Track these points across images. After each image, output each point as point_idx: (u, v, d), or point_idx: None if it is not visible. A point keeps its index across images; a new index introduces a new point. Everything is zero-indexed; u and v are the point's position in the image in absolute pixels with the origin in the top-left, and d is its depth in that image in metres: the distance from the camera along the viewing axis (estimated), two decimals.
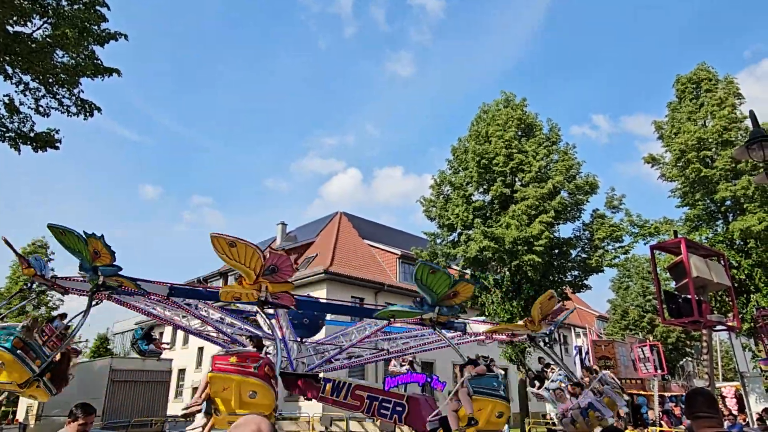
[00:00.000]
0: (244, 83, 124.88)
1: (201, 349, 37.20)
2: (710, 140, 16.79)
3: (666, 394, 19.95)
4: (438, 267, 6.53)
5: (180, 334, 41.65)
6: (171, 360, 25.21)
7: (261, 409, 6.67)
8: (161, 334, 43.71)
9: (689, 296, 5.40)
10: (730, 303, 12.54)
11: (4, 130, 11.22)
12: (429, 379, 10.85)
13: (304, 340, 11.35)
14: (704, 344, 4.79)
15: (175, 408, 32.84)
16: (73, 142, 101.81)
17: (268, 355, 10.81)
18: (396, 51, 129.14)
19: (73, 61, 10.32)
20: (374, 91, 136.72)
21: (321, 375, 11.36)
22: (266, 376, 6.66)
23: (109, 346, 45.80)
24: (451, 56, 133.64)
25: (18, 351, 6.79)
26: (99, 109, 10.63)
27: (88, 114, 10.52)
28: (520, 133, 22.64)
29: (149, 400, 21.38)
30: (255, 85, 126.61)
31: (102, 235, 6.75)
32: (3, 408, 33.42)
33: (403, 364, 11.74)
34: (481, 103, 25.24)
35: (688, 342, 32.48)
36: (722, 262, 6.03)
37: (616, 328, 33.84)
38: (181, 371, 39.74)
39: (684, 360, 33.76)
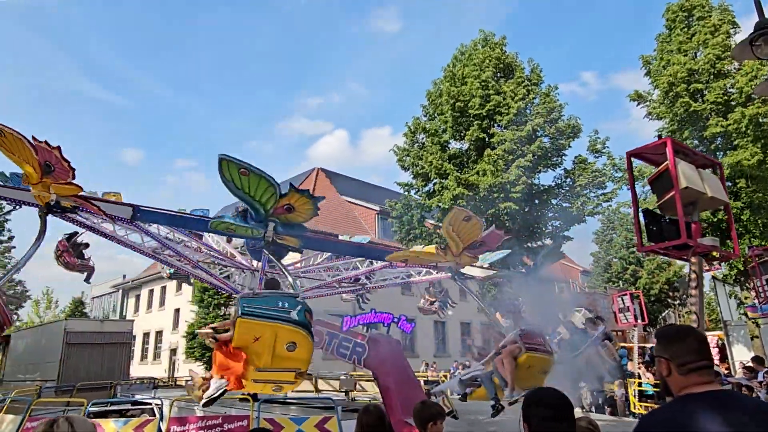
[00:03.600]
0: (224, 42, 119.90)
1: (177, 310, 36.38)
2: (702, 71, 15.40)
3: (647, 345, 19.36)
4: (252, 167, 4.86)
5: (156, 296, 40.69)
6: (132, 321, 24.17)
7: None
8: (137, 297, 42.86)
9: (676, 215, 4.12)
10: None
11: None
12: (396, 320, 9.81)
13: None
14: (693, 275, 3.66)
15: (141, 370, 32.15)
16: (48, 107, 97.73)
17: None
18: (382, 5, 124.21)
19: None
20: (360, 49, 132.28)
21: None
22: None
23: (85, 310, 44.55)
24: (439, 10, 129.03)
25: None
26: None
27: None
28: (498, 74, 21.03)
29: (108, 362, 20.35)
30: (236, 43, 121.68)
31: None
32: None
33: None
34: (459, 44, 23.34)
35: (671, 294, 32.03)
36: (719, 173, 4.74)
37: (599, 281, 33.28)
38: (159, 333, 39.06)
39: (666, 312, 33.46)
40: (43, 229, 5.84)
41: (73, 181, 5.49)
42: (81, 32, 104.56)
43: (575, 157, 20.55)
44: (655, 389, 13.58)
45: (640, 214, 4.39)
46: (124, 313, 43.46)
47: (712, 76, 15.34)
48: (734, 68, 15.62)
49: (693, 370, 1.81)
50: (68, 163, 5.16)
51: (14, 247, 28.60)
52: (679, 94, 15.38)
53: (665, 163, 4.11)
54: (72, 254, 7.43)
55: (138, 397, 14.22)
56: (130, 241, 8.10)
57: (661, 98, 16.47)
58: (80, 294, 45.17)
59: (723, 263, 15.67)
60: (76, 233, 7.40)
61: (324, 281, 10.70)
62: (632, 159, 4.69)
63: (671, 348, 1.87)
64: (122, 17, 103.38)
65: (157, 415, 9.60)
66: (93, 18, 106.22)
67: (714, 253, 4.22)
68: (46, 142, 5.02)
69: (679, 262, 30.48)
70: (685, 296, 31.00)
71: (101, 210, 6.04)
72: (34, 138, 5.02)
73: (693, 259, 4.19)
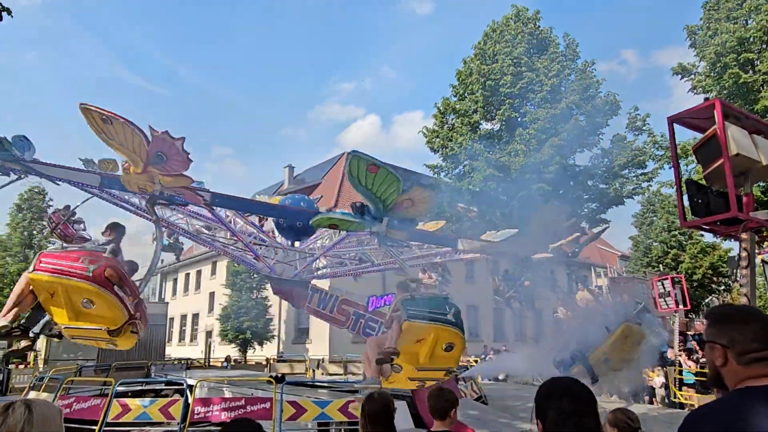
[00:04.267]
0: (257, 29, 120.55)
1: (212, 294, 37.23)
2: (753, 39, 14.28)
3: (689, 332, 18.52)
4: (381, 162, 4.89)
5: (192, 281, 41.74)
6: (167, 304, 24.81)
7: (104, 322, 5.21)
8: (175, 280, 44.04)
9: (724, 186, 3.66)
10: None
11: None
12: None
13: (293, 244, 10.21)
14: (743, 254, 3.24)
15: (179, 351, 33.15)
16: (91, 96, 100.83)
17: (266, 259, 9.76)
18: None
19: None
20: (392, 33, 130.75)
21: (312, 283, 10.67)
22: (106, 282, 5.10)
23: None
24: None
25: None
26: (8, 11, 8.95)
27: None
28: (531, 49, 20.19)
29: (145, 343, 20.92)
30: (270, 31, 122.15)
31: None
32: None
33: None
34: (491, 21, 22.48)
35: (715, 279, 30.59)
36: None
37: (638, 265, 32.06)
38: (195, 316, 40.11)
39: (710, 298, 32.04)
40: (158, 219, 5.84)
41: (185, 173, 5.44)
42: (120, 24, 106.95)
43: (613, 136, 19.66)
44: (697, 378, 12.92)
45: (683, 187, 3.93)
46: (162, 296, 44.75)
47: (764, 45, 14.22)
48: None
49: (756, 360, 1.46)
50: (187, 154, 5.09)
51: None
52: (727, 64, 14.34)
53: (713, 128, 3.65)
54: (69, 227, 7.49)
55: (170, 377, 14.49)
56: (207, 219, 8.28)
57: (707, 70, 15.43)
58: None
59: None
60: (68, 206, 7.42)
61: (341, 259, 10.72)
62: (675, 126, 4.20)
63: (730, 332, 1.53)
64: (158, 7, 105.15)
65: (186, 395, 9.67)
66: (130, 9, 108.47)
67: (766, 232, 3.75)
68: (167, 133, 4.95)
69: (725, 245, 28.99)
70: (731, 280, 29.56)
71: (205, 200, 6.00)
72: (151, 128, 4.97)
73: (743, 236, 3.73)
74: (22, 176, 5.88)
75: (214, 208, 7.41)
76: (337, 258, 10.91)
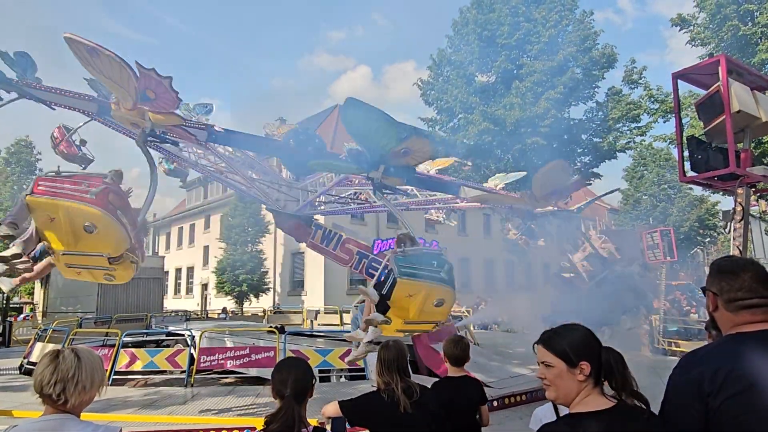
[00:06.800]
0: None
1: (206, 247, 37.45)
2: None
3: (673, 282, 19.10)
4: (377, 110, 4.85)
5: (186, 234, 41.83)
6: (163, 257, 24.99)
7: (106, 248, 5.21)
8: (168, 234, 44.16)
9: (724, 142, 3.77)
10: None
11: None
12: (427, 245, 9.84)
13: (300, 179, 10.27)
14: (738, 208, 3.36)
15: (175, 304, 33.71)
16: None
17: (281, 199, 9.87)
18: None
19: None
20: None
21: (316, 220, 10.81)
22: (109, 206, 5.11)
23: None
24: None
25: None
26: None
27: None
28: None
29: (143, 296, 21.26)
30: None
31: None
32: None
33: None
34: None
35: (701, 231, 31.27)
36: None
37: (627, 218, 32.59)
38: (190, 269, 40.45)
39: (694, 249, 32.87)
40: (152, 160, 5.76)
41: (176, 112, 5.33)
42: None
43: (608, 89, 19.56)
44: (680, 326, 13.53)
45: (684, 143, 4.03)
46: (156, 250, 44.96)
47: None
48: None
49: (744, 308, 1.62)
50: (176, 93, 4.97)
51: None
52: (727, 16, 14.14)
53: (716, 84, 3.71)
54: (72, 145, 7.35)
55: (171, 328, 14.84)
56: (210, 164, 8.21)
57: (707, 22, 15.21)
58: None
59: (760, 199, 15.05)
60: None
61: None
62: (678, 82, 4.25)
63: (720, 282, 1.68)
64: None
65: (189, 345, 9.97)
66: None
67: (758, 186, 3.88)
68: (154, 71, 4.84)
69: (712, 199, 29.50)
70: (716, 233, 30.25)
71: (196, 138, 5.95)
72: (138, 64, 4.85)
73: (739, 191, 3.87)
74: (17, 98, 5.81)
75: (214, 145, 7.40)
76: (337, 196, 10.96)
